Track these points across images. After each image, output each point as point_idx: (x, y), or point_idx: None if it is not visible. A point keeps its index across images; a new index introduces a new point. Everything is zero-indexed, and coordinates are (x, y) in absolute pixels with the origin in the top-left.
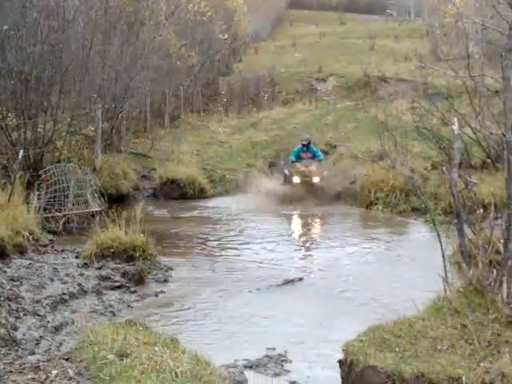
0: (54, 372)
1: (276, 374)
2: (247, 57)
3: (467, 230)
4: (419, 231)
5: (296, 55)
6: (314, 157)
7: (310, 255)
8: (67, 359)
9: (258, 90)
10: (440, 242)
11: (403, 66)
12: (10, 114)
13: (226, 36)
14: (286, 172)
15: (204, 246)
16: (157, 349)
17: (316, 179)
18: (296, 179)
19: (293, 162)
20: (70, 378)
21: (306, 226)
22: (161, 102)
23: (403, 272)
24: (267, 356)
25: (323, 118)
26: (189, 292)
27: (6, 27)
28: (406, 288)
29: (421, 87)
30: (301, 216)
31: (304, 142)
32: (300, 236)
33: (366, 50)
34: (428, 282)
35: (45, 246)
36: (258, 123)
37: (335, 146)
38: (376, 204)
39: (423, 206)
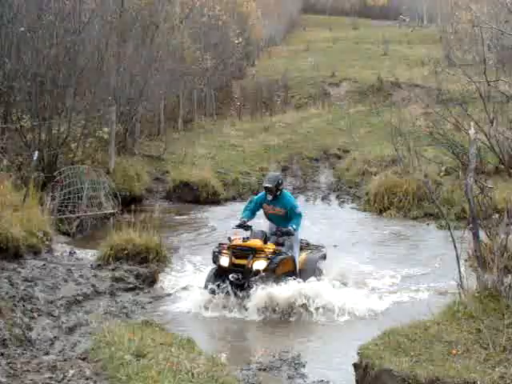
0: (71, 372)
1: (289, 377)
2: (260, 61)
3: (482, 235)
4: (433, 236)
5: (309, 60)
6: (286, 215)
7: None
8: (84, 359)
9: (271, 94)
10: (455, 247)
11: (416, 71)
12: (24, 116)
13: (240, 40)
14: (215, 248)
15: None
16: (173, 349)
17: (260, 265)
18: (224, 261)
19: (239, 225)
20: (87, 378)
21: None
22: (174, 105)
23: (417, 277)
24: (281, 359)
25: (336, 122)
26: (202, 294)
27: (22, 29)
28: (420, 292)
29: (434, 93)
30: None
31: (268, 185)
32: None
33: (379, 55)
34: (443, 286)
35: (59, 247)
36: (270, 127)
37: (348, 151)
38: (389, 209)
39: (436, 211)
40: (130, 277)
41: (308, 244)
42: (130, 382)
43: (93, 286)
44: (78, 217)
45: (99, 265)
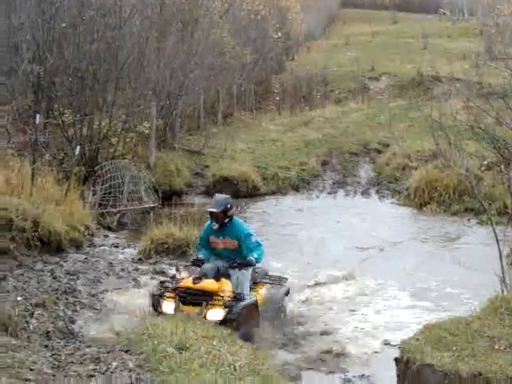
0: (114, 364)
1: (330, 372)
2: (300, 55)
3: None
4: (474, 232)
5: (348, 54)
6: (240, 248)
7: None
8: (127, 351)
9: (311, 88)
10: (497, 242)
11: (457, 65)
12: (66, 111)
13: (279, 35)
14: (155, 289)
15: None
16: (215, 343)
17: (216, 315)
18: (168, 307)
19: (196, 263)
20: (130, 370)
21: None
22: (214, 99)
23: (459, 272)
24: (321, 353)
25: (376, 116)
26: None
27: (63, 25)
28: (462, 288)
29: (475, 86)
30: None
31: (213, 210)
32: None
33: (419, 49)
34: (485, 282)
35: (100, 240)
36: (310, 122)
37: (388, 146)
38: (429, 203)
39: (477, 206)
40: (170, 270)
41: (266, 274)
42: (173, 374)
43: (134, 279)
44: (118, 211)
45: (140, 258)
